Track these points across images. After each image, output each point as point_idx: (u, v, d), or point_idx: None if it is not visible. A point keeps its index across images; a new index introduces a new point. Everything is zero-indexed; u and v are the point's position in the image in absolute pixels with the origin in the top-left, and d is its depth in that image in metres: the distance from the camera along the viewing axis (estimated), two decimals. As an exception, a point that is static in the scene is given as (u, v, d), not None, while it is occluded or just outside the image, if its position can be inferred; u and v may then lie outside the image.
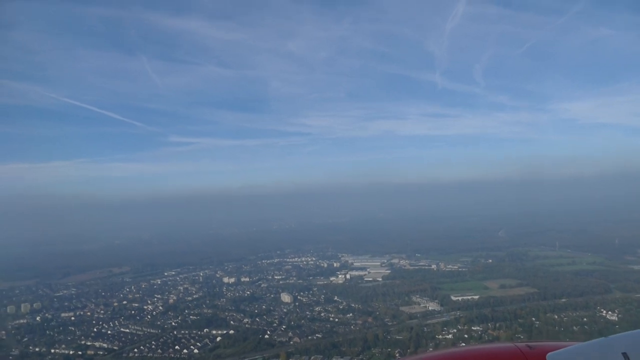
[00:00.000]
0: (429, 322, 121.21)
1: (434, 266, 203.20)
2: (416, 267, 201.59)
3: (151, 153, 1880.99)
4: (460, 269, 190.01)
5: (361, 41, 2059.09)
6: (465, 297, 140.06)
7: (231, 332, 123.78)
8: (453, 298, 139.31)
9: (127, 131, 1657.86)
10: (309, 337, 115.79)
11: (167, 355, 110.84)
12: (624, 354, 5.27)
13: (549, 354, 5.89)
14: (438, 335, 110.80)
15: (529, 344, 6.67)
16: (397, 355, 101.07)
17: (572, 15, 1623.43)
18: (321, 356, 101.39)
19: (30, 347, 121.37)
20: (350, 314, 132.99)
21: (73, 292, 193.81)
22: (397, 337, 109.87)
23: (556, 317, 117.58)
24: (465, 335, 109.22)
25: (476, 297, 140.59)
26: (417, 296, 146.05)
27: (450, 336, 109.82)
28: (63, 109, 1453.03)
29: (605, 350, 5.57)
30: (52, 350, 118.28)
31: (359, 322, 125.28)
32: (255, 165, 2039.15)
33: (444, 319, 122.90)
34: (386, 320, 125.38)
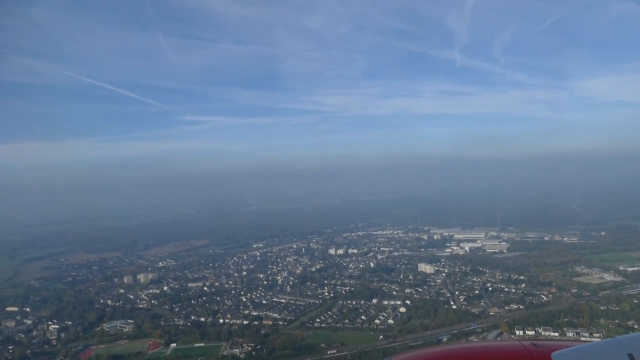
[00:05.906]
0: (627, 292, 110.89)
1: (547, 238, 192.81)
2: (533, 239, 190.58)
3: (166, 131, 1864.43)
4: (586, 242, 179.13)
5: (379, 17, 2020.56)
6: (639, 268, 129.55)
7: (407, 302, 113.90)
8: (629, 269, 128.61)
9: (142, 109, 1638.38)
10: (506, 308, 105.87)
11: (357, 325, 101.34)
12: (630, 355, 5.21)
13: (553, 353, 5.69)
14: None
15: (535, 342, 6.46)
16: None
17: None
18: (550, 327, 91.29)
19: (193, 317, 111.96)
20: (524, 285, 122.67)
21: (173, 263, 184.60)
22: (614, 309, 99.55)
23: None
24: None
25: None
26: (582, 267, 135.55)
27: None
28: (79, 87, 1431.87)
29: (611, 351, 5.50)
30: (220, 320, 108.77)
31: (545, 292, 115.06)
32: (270, 143, 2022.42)
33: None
34: (574, 291, 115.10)
